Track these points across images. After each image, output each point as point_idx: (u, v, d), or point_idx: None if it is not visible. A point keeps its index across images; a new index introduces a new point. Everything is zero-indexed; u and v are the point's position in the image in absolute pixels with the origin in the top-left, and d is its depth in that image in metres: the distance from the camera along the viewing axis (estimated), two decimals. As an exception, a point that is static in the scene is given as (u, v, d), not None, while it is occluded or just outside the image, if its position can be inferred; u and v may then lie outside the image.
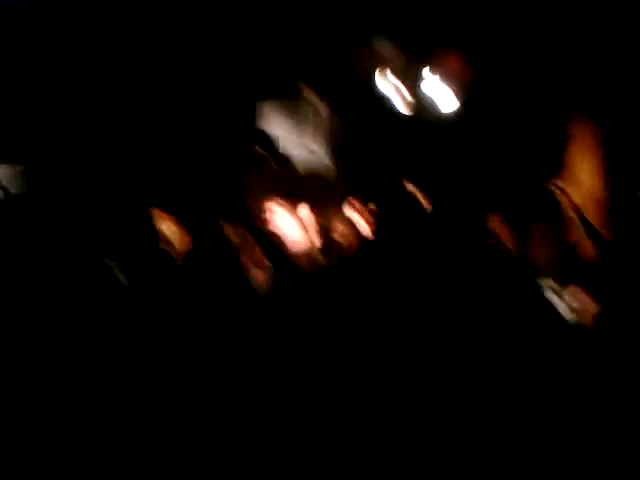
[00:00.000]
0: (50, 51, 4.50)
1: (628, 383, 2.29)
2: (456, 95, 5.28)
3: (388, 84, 5.23)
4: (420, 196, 5.05)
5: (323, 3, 5.06)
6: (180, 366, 2.63)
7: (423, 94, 5.28)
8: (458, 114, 5.57)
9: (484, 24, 4.85)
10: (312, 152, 5.59)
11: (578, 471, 2.17)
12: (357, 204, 4.75)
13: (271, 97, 5.58)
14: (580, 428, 2.19)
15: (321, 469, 2.18)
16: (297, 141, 5.61)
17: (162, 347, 2.74)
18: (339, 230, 5.04)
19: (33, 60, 4.56)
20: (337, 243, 4.92)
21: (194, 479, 2.40)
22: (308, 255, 4.86)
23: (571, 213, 4.16)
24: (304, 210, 5.26)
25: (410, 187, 4.37)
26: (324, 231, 5.18)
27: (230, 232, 5.14)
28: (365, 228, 4.10)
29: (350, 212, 4.67)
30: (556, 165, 5.55)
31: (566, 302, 3.75)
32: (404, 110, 5.43)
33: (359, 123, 5.72)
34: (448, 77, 5.19)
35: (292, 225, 5.03)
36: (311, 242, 5.03)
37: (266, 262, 4.66)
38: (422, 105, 5.37)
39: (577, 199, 5.58)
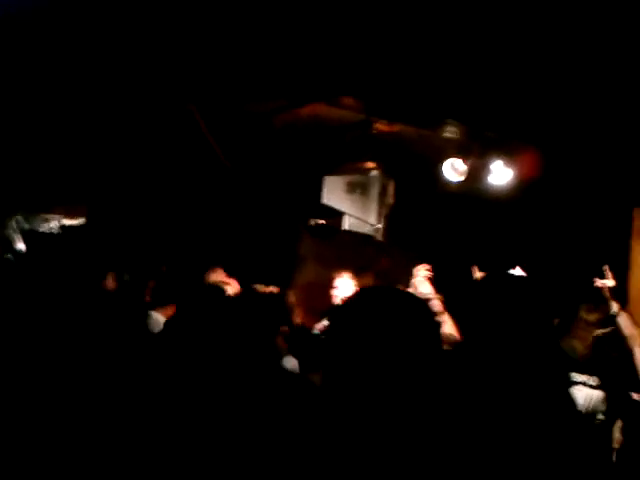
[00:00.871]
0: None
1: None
2: (522, 185, 5.40)
3: (456, 171, 5.34)
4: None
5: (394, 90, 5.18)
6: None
7: (490, 184, 5.39)
8: (521, 203, 5.69)
9: (552, 118, 4.96)
10: (376, 230, 5.72)
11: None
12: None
13: (339, 173, 5.71)
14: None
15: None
16: (362, 217, 5.73)
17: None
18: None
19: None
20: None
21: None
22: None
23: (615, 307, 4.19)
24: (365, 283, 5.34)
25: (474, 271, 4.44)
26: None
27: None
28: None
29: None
30: (614, 255, 5.65)
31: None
32: (469, 196, 5.55)
33: (423, 205, 5.85)
34: (516, 168, 5.30)
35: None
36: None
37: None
38: (487, 194, 5.48)
39: (632, 290, 5.68)
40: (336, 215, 5.81)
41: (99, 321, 3.04)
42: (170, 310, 4.19)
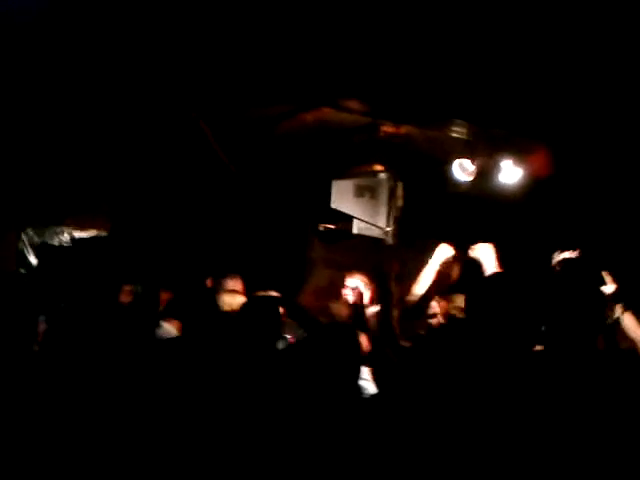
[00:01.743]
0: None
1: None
2: (532, 183, 5.33)
3: (465, 171, 5.29)
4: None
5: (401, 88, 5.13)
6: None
7: (500, 183, 5.33)
8: (532, 202, 5.63)
9: (564, 117, 4.90)
10: (386, 233, 5.67)
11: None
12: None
13: (347, 177, 5.68)
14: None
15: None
16: (371, 221, 5.69)
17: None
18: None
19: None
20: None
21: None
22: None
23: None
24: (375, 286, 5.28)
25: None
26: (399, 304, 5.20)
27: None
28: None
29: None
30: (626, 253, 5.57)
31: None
32: (478, 197, 5.50)
33: (433, 207, 5.80)
34: (526, 166, 5.23)
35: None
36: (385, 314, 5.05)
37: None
38: (497, 193, 5.42)
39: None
40: (345, 219, 5.77)
41: (113, 332, 3.04)
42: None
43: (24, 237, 6.39)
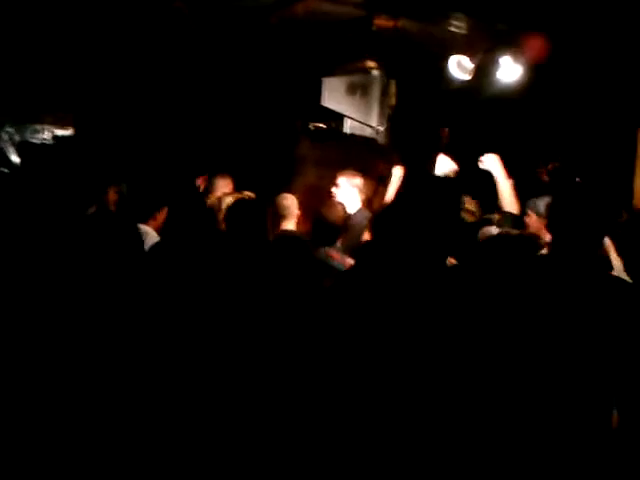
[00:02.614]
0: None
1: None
2: (531, 82, 5.13)
3: (462, 69, 5.06)
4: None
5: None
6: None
7: (497, 78, 5.12)
8: (530, 101, 5.45)
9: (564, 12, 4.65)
10: (378, 132, 5.50)
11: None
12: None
13: (339, 74, 5.44)
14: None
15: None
16: (363, 120, 5.51)
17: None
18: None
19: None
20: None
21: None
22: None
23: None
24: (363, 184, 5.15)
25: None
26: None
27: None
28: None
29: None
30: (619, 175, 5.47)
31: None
32: (474, 93, 5.30)
33: (427, 105, 5.60)
34: (526, 61, 5.01)
35: (354, 198, 4.91)
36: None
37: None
38: (493, 89, 5.22)
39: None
40: (337, 118, 5.59)
41: (99, 235, 2.94)
42: (157, 221, 4.10)
43: (4, 135, 6.19)
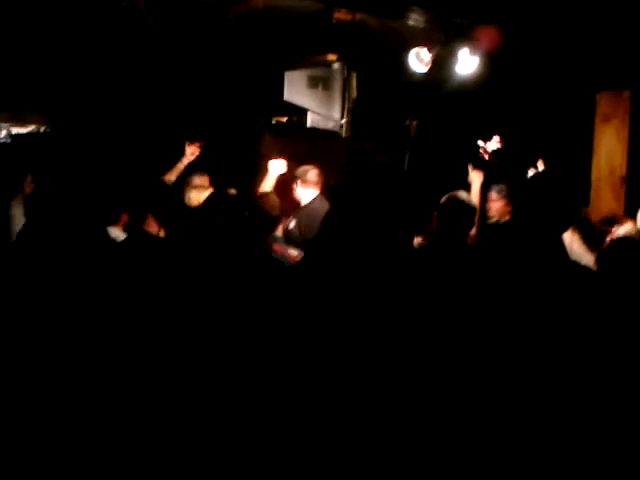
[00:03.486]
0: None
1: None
2: (486, 68, 5.23)
3: (421, 61, 5.14)
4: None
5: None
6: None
7: (455, 71, 5.21)
8: (487, 90, 5.55)
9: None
10: (340, 125, 5.55)
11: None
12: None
13: (300, 67, 5.45)
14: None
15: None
16: (325, 113, 5.54)
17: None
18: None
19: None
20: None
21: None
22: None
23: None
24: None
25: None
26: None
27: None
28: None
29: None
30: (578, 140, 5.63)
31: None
32: (433, 86, 5.38)
33: (388, 97, 5.66)
34: (483, 53, 5.11)
35: (312, 193, 4.95)
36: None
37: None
38: (452, 82, 5.31)
39: (595, 173, 5.70)
40: (299, 112, 5.60)
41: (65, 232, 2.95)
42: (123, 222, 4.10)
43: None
